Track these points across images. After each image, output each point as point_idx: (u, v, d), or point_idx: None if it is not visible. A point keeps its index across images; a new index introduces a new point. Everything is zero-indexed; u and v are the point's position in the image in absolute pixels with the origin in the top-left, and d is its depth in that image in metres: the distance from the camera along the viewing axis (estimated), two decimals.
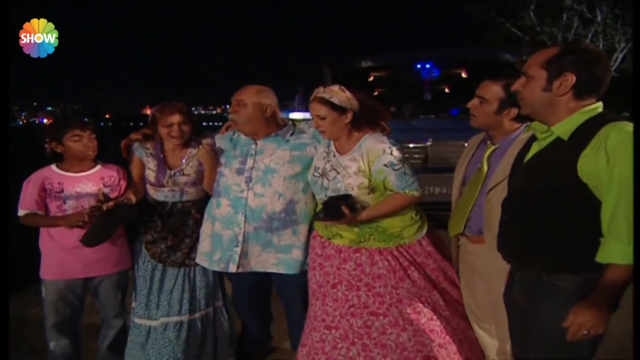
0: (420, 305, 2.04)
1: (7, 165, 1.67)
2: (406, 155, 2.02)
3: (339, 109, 1.99)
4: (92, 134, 2.29)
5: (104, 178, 2.35)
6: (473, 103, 1.98)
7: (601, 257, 1.37)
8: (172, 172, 2.35)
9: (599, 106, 1.45)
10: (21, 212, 2.24)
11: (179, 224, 2.38)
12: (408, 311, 2.03)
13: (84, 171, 2.33)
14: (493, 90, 1.93)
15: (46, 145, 2.28)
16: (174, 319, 2.34)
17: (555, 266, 1.48)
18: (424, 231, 2.19)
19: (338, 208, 1.98)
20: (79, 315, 2.43)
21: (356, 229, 2.09)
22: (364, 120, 2.05)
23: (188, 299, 2.37)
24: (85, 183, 2.32)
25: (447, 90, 6.34)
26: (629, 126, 1.35)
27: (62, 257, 2.28)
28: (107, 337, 2.48)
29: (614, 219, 1.33)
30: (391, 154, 1.99)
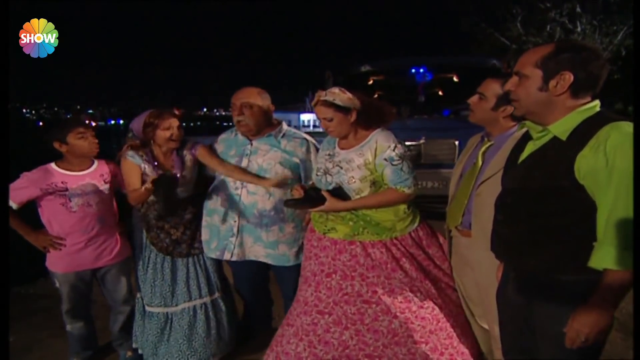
0: (411, 294, 1.92)
1: (7, 165, 1.55)
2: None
3: (344, 110, 1.87)
4: (93, 133, 2.18)
5: (103, 175, 2.24)
6: (473, 99, 1.84)
7: (594, 263, 1.20)
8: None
9: (596, 105, 1.28)
10: (15, 206, 2.07)
11: (178, 220, 2.26)
12: (400, 300, 1.90)
13: (84, 169, 2.20)
14: (492, 88, 1.78)
15: (54, 145, 2.15)
16: (196, 302, 2.27)
17: (551, 266, 1.30)
18: (416, 224, 2.05)
19: (318, 194, 1.88)
20: (89, 300, 2.36)
21: (351, 223, 1.96)
22: (369, 117, 1.93)
23: (205, 283, 2.30)
24: (89, 181, 2.19)
25: (439, 93, 6.26)
26: (629, 127, 1.17)
27: (70, 250, 2.16)
28: (117, 322, 2.40)
29: (610, 223, 1.16)
30: (394, 150, 1.90)
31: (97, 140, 2.20)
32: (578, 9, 14.11)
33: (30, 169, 2.13)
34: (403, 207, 1.99)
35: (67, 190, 2.12)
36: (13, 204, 2.06)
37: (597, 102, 1.28)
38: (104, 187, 2.23)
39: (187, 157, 2.27)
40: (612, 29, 13.94)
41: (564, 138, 1.26)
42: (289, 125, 2.39)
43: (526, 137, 1.43)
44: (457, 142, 5.25)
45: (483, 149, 1.84)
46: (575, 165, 1.20)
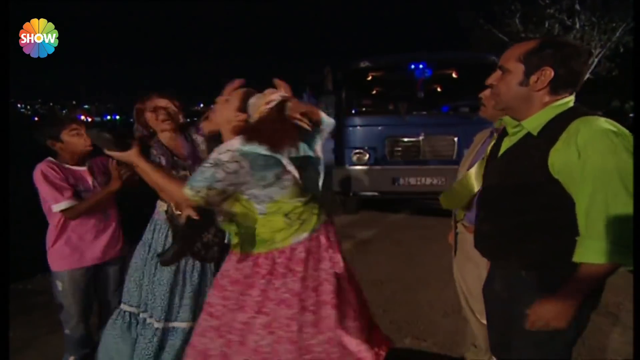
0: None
1: (7, 165, 1.53)
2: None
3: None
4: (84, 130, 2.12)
5: (99, 169, 2.22)
6: (485, 93, 1.82)
7: (578, 257, 1.19)
8: (183, 162, 2.08)
9: (570, 100, 1.27)
10: (65, 205, 2.02)
11: (209, 219, 1.95)
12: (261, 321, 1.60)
13: (81, 166, 2.17)
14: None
15: (47, 143, 2.10)
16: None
17: (533, 262, 1.29)
18: (302, 236, 1.66)
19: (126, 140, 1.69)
20: (92, 301, 2.30)
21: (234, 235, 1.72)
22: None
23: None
24: (87, 176, 2.18)
25: (438, 89, 6.25)
26: (599, 121, 1.18)
27: (77, 245, 2.13)
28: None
29: (590, 216, 1.15)
30: (219, 153, 1.56)
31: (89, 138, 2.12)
32: (577, 6, 14.08)
33: (28, 164, 2.09)
34: (281, 219, 1.64)
35: (76, 185, 2.11)
36: (69, 202, 2.02)
37: (570, 98, 1.27)
38: (105, 180, 2.21)
39: (198, 139, 2.15)
40: (610, 25, 13.91)
41: (535, 133, 1.26)
42: None
43: (504, 134, 1.43)
44: (456, 139, 5.27)
45: (492, 145, 1.84)
46: (549, 160, 1.20)
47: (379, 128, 5.44)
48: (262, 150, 1.55)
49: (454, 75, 5.80)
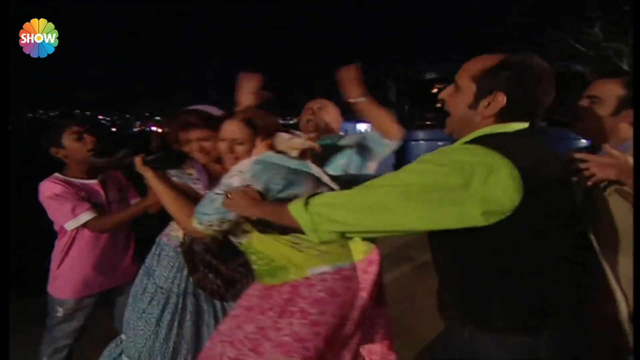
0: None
1: (7, 165, 1.43)
2: None
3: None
4: (90, 134, 1.90)
5: (111, 183, 2.02)
6: (582, 104, 1.53)
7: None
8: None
9: (512, 126, 1.05)
10: (86, 216, 1.82)
11: (230, 250, 1.68)
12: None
13: (93, 178, 1.96)
14: (609, 89, 1.45)
15: (52, 151, 1.90)
16: None
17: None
18: (320, 269, 1.39)
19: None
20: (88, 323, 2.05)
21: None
22: None
23: None
24: (100, 190, 1.96)
25: None
26: (465, 148, 1.00)
27: (87, 273, 1.92)
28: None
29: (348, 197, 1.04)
30: (229, 177, 1.39)
31: (94, 138, 1.90)
32: None
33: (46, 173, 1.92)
34: (292, 238, 1.40)
35: (91, 199, 1.91)
36: (90, 214, 1.83)
37: (518, 125, 1.05)
38: (120, 196, 2.03)
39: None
40: None
41: None
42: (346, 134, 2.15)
43: None
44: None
45: None
46: None
47: (444, 143, 5.08)
48: (291, 162, 1.37)
49: None
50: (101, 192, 1.97)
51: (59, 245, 1.94)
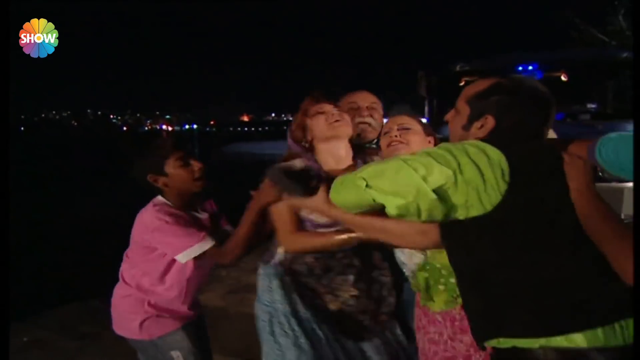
0: None
1: (7, 166, 1.25)
2: None
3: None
4: (196, 160, 1.60)
5: (213, 215, 1.73)
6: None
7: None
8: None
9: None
10: (206, 244, 1.51)
11: (342, 268, 1.40)
12: None
13: (194, 211, 1.64)
14: None
15: (149, 179, 1.58)
16: None
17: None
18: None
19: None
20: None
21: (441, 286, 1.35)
22: None
23: None
24: (209, 225, 1.64)
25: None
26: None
27: (159, 314, 1.61)
28: None
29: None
30: None
31: (201, 165, 1.61)
32: None
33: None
34: None
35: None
36: (206, 243, 1.51)
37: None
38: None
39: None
40: None
41: None
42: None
43: None
44: None
45: None
46: None
47: None
48: None
49: (563, 78, 5.04)
50: (209, 226, 1.66)
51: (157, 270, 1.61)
